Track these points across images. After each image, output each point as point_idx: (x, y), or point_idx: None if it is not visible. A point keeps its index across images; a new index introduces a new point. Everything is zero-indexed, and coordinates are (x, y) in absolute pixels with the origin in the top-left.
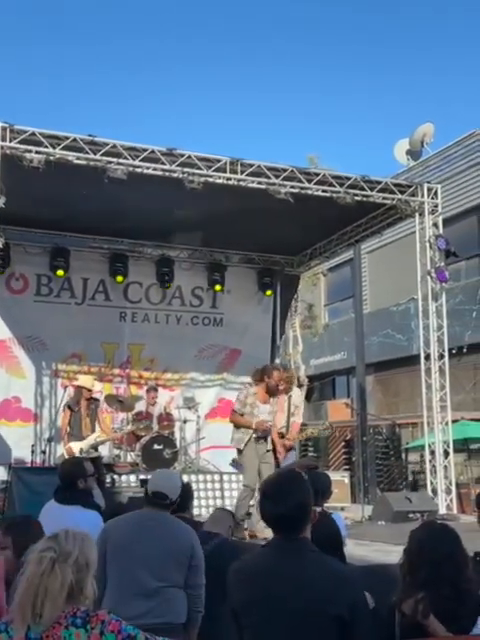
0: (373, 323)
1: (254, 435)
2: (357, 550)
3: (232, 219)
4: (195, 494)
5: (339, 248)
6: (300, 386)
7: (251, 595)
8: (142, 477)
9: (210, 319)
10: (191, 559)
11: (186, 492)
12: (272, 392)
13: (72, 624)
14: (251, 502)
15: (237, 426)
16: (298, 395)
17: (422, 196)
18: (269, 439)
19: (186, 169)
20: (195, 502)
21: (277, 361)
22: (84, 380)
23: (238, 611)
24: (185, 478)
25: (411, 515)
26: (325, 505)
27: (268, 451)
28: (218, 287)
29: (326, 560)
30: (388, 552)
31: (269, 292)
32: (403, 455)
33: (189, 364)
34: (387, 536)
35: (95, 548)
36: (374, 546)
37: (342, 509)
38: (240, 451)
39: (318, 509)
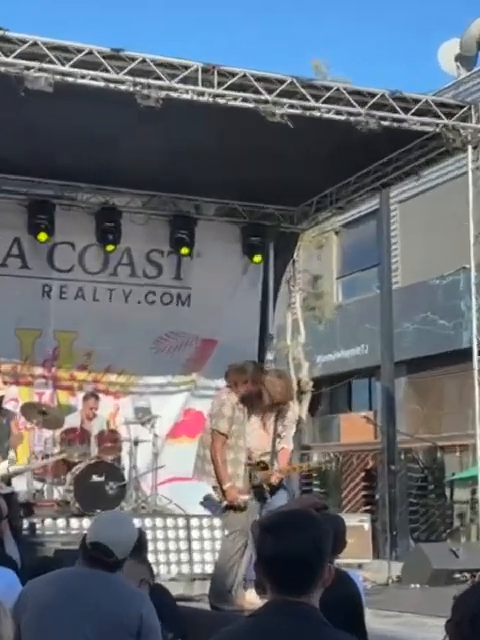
0: (406, 303)
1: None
2: (378, 623)
3: (206, 153)
4: (150, 547)
5: (358, 196)
6: (301, 394)
7: None
8: (76, 521)
9: (172, 296)
10: (139, 635)
11: (139, 541)
12: (249, 403)
13: None
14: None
15: (214, 465)
16: (290, 414)
17: (477, 121)
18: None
19: (140, 79)
20: (150, 558)
21: (270, 358)
22: None
23: None
24: (136, 523)
25: (457, 575)
26: (336, 561)
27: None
28: (185, 250)
29: None
30: (421, 626)
31: (258, 258)
32: (447, 491)
33: (143, 361)
34: (422, 604)
35: (10, 621)
36: (402, 618)
37: (360, 567)
38: (217, 487)
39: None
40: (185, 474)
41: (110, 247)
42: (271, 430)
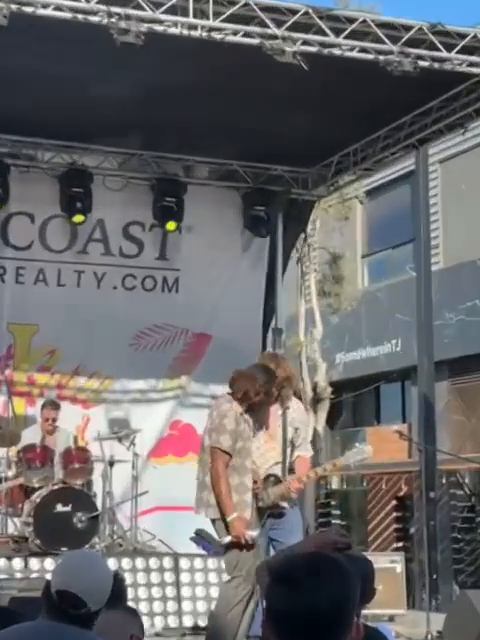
0: (450, 289)
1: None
2: None
3: (198, 102)
4: (129, 594)
5: (389, 154)
6: (317, 403)
7: None
8: (36, 562)
9: (156, 280)
10: None
11: (116, 587)
12: (256, 414)
13: None
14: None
15: (216, 490)
16: (300, 410)
17: None
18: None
19: (115, 9)
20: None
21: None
22: None
23: None
24: (111, 565)
25: None
26: (363, 612)
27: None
28: (171, 223)
29: None
30: None
31: (263, 233)
32: None
33: (119, 361)
34: None
35: None
36: None
37: (391, 619)
38: (217, 520)
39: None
40: (172, 502)
41: (78, 217)
42: (279, 433)
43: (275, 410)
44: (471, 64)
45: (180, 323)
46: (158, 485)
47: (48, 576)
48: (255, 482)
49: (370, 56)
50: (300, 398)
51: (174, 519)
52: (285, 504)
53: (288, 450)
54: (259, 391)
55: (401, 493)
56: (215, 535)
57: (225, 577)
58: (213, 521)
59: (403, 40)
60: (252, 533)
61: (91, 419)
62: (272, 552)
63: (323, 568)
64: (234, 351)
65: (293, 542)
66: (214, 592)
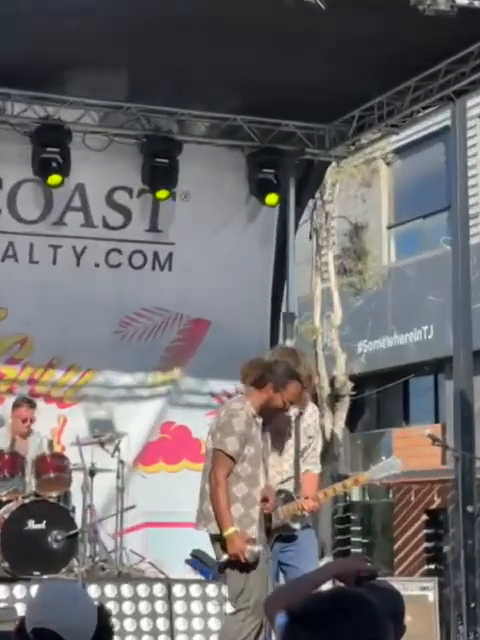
0: None
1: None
2: None
3: (195, 42)
4: (116, 627)
5: (420, 108)
6: (337, 399)
7: None
8: (4, 589)
9: (146, 256)
10: None
11: (101, 624)
12: (269, 417)
13: None
14: None
15: (213, 499)
16: (316, 417)
17: None
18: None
19: None
20: None
21: (288, 343)
22: None
23: None
24: (93, 592)
25: None
26: None
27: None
28: (163, 191)
29: None
30: None
31: (272, 199)
32: None
33: (102, 351)
34: None
35: None
36: None
37: None
38: (218, 537)
39: None
40: (163, 517)
41: (54, 179)
42: (290, 444)
43: (285, 417)
44: None
45: (174, 307)
46: (146, 497)
47: (18, 606)
48: (265, 500)
49: None
50: (316, 396)
51: (166, 537)
52: (296, 525)
53: (298, 461)
54: (269, 379)
55: (433, 506)
56: (214, 555)
57: (228, 608)
58: (212, 538)
59: None
60: (254, 548)
61: (68, 420)
62: (282, 579)
63: (352, 608)
64: (237, 339)
65: (307, 566)
66: (214, 625)
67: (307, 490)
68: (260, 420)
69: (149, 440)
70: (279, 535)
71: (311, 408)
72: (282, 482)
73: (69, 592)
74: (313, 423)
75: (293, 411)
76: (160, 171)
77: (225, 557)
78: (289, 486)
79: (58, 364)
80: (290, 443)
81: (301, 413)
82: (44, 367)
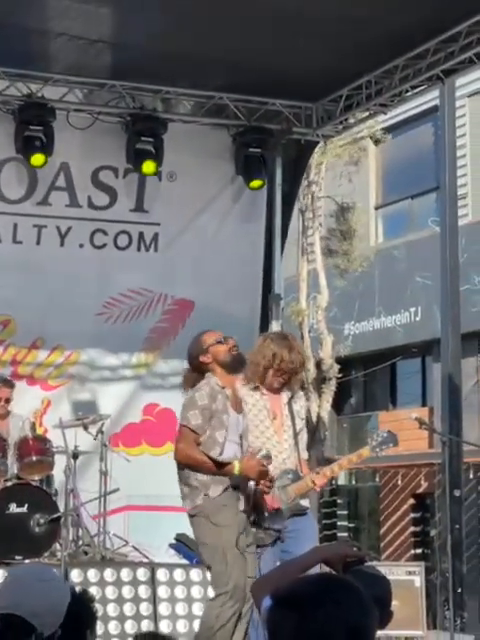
0: (479, 246)
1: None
2: None
3: (180, 18)
4: (99, 612)
5: (409, 87)
6: (323, 381)
7: None
8: None
9: (132, 236)
10: None
11: (79, 616)
12: (235, 363)
13: None
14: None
15: (194, 467)
16: (303, 400)
17: None
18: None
19: None
20: (99, 629)
21: (275, 327)
22: None
23: None
24: (76, 577)
25: None
26: (378, 633)
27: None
28: (149, 166)
29: None
30: None
31: (256, 182)
32: None
33: (85, 332)
34: None
35: None
36: None
37: None
38: (195, 516)
39: None
40: (146, 500)
41: (37, 158)
42: (288, 425)
43: (280, 398)
44: None
45: (158, 287)
46: (129, 480)
47: None
48: (259, 482)
49: None
50: (302, 382)
51: (150, 521)
52: (306, 502)
53: (299, 445)
54: (202, 353)
55: (420, 490)
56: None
57: (211, 592)
58: (190, 518)
59: None
60: (262, 452)
61: (52, 403)
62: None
63: (337, 593)
64: (223, 320)
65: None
66: (198, 609)
67: (304, 473)
68: (229, 391)
69: (131, 421)
70: (293, 513)
71: (299, 393)
72: (282, 462)
73: (35, 574)
74: (303, 405)
75: (285, 395)
76: (145, 150)
77: (252, 485)
78: (291, 466)
79: (42, 345)
80: (288, 424)
81: (292, 397)
82: (27, 348)
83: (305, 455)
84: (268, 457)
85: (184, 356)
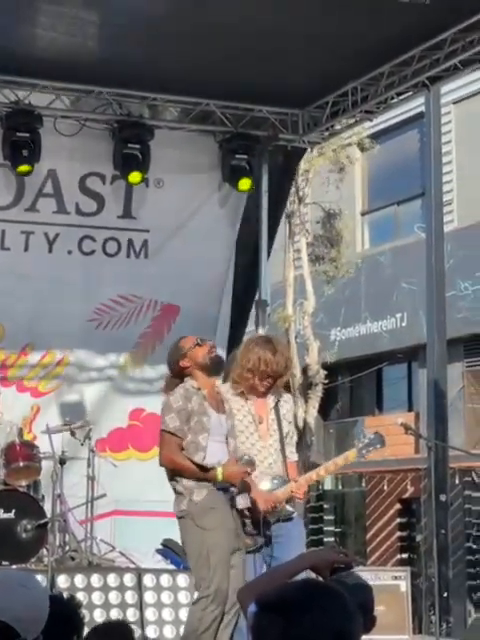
0: (465, 252)
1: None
2: None
3: (167, 25)
4: (86, 617)
5: (394, 94)
6: (310, 387)
7: None
8: None
9: (121, 243)
10: None
11: (66, 621)
12: (214, 366)
13: None
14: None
15: (179, 472)
16: (290, 403)
17: None
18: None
19: None
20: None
21: (261, 331)
22: None
23: None
24: (63, 582)
25: None
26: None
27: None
28: (135, 175)
29: None
30: None
31: (245, 184)
32: None
33: (75, 340)
34: None
35: None
36: None
37: None
38: (182, 518)
39: None
40: (133, 504)
41: (23, 168)
42: (274, 429)
43: (266, 402)
44: None
45: (148, 294)
46: (116, 485)
47: None
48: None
49: None
50: (288, 385)
51: (136, 526)
52: (291, 508)
53: (284, 447)
54: (182, 355)
55: (406, 495)
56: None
57: (195, 595)
58: (178, 520)
59: None
60: (244, 458)
61: (41, 409)
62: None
63: (322, 599)
64: (205, 325)
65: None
66: (184, 615)
67: (292, 476)
68: (205, 391)
69: (118, 426)
70: (278, 518)
71: (286, 395)
72: (268, 466)
73: (18, 580)
74: (290, 409)
75: (271, 399)
76: (131, 157)
77: (237, 494)
78: (278, 471)
79: (32, 351)
80: (274, 428)
81: (278, 400)
82: (17, 354)
83: (294, 457)
84: (251, 463)
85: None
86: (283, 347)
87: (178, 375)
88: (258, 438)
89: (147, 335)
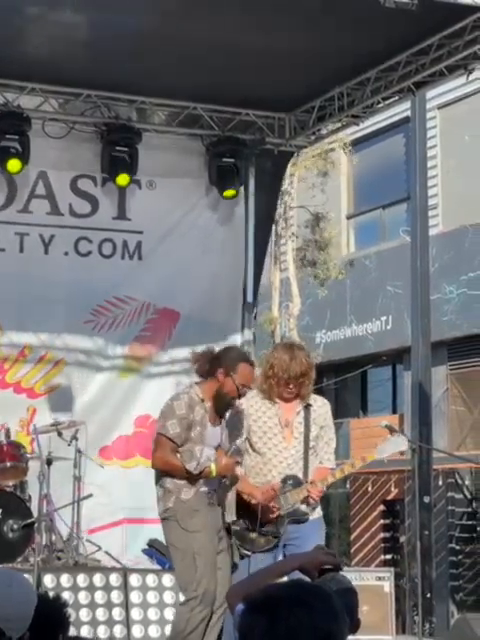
0: (449, 256)
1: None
2: None
3: (153, 29)
4: (72, 617)
5: (380, 99)
6: None
7: None
8: None
9: (116, 244)
10: None
11: (52, 621)
12: (225, 405)
13: None
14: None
15: (170, 473)
16: (324, 408)
17: None
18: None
19: None
20: (72, 633)
21: (247, 335)
22: None
23: None
24: (49, 582)
25: None
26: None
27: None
28: (123, 177)
29: None
30: None
31: (230, 191)
32: None
33: (72, 340)
34: None
35: None
36: None
37: None
38: (166, 519)
39: None
40: (142, 512)
41: (13, 165)
42: (301, 431)
43: (294, 407)
44: None
45: (142, 296)
46: (125, 493)
47: None
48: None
49: None
50: (321, 390)
51: (148, 534)
52: (307, 509)
53: (308, 453)
54: (216, 368)
55: (390, 496)
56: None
57: (182, 597)
58: (161, 521)
59: None
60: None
61: (38, 411)
62: None
63: (309, 598)
64: (208, 330)
65: None
66: (170, 614)
67: (317, 479)
68: (208, 405)
69: (123, 434)
70: (291, 519)
71: (320, 400)
72: (288, 467)
73: (4, 580)
74: (323, 414)
75: (298, 404)
76: (119, 160)
77: (226, 481)
78: (297, 472)
79: (29, 353)
80: (299, 431)
81: (309, 404)
82: (14, 356)
83: (329, 464)
84: (238, 452)
85: (175, 368)
86: (302, 353)
87: (204, 375)
88: (282, 439)
89: (143, 339)
